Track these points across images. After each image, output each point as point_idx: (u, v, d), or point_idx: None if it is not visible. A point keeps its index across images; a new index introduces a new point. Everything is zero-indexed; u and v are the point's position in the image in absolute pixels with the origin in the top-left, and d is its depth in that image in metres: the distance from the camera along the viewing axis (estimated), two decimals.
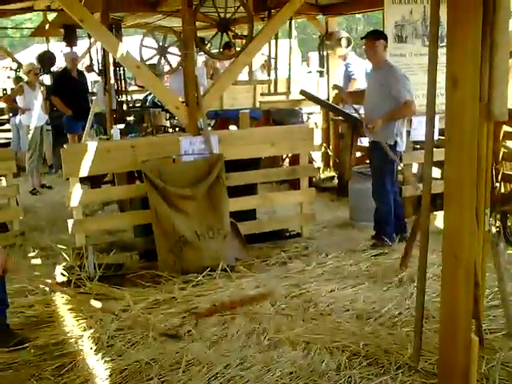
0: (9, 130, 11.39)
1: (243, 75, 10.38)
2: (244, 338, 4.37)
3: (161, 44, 6.73)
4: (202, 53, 7.75)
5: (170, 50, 6.77)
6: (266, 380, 3.80)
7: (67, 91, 10.18)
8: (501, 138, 7.15)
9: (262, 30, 6.71)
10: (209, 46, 7.54)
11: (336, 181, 9.24)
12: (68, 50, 11.58)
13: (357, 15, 24.07)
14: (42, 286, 5.28)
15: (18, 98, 9.94)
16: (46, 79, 13.06)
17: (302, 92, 9.37)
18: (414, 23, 7.41)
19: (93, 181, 7.55)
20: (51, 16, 12.44)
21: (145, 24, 12.49)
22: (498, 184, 7.16)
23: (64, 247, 6.08)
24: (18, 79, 11.57)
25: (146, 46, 6.71)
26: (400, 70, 6.41)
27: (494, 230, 6.73)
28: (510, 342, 4.21)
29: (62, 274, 5.69)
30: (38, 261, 6.48)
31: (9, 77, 12.05)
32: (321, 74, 10.44)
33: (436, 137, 6.30)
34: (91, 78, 11.42)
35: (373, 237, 6.50)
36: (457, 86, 3.13)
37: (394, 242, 6.32)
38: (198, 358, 4.06)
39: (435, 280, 4.98)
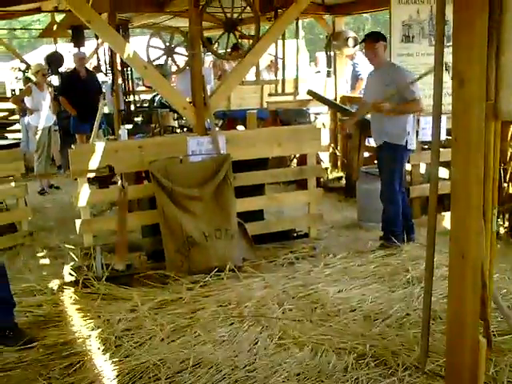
0: (19, 131, 11.45)
1: (250, 75, 10.39)
2: (251, 339, 4.37)
3: (168, 44, 6.75)
4: (210, 53, 7.75)
5: (176, 50, 6.79)
6: (273, 381, 3.80)
7: (74, 92, 10.22)
8: (509, 137, 7.15)
9: (268, 30, 6.71)
10: (216, 46, 7.54)
11: (344, 181, 9.23)
12: (76, 50, 11.62)
13: (364, 15, 23.98)
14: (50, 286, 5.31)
15: (26, 99, 9.98)
16: (54, 80, 13.11)
17: (310, 92, 9.38)
18: (421, 23, 7.39)
19: (101, 181, 7.57)
20: (59, 17, 12.48)
21: (152, 24, 12.53)
22: (506, 184, 7.15)
23: (72, 247, 6.10)
24: (26, 80, 11.61)
25: (153, 47, 6.73)
26: (404, 68, 6.40)
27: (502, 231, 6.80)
28: None
29: (70, 273, 5.70)
30: (46, 261, 6.52)
31: (17, 77, 12.08)
32: (328, 74, 10.43)
33: (443, 137, 6.36)
34: (99, 78, 11.41)
35: (380, 237, 6.48)
36: (463, 86, 3.12)
37: (402, 243, 6.30)
38: (205, 359, 4.06)
39: (442, 281, 4.96)
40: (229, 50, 8.20)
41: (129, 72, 9.47)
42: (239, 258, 5.90)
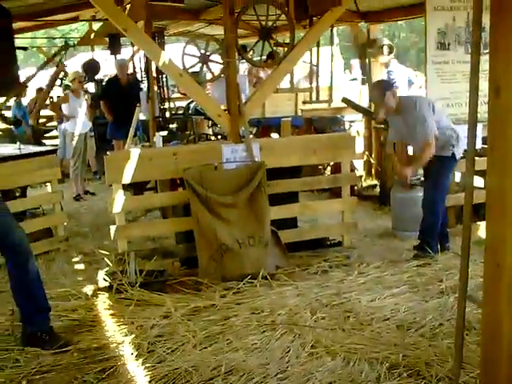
0: (57, 137, 11.62)
1: (285, 83, 10.40)
2: (283, 347, 4.36)
3: (203, 52, 6.79)
4: (244, 60, 7.78)
5: (212, 57, 6.82)
6: None
7: (113, 98, 10.41)
8: None
9: (303, 37, 6.70)
10: (251, 53, 7.57)
11: (378, 189, 9.18)
12: (114, 57, 11.77)
13: (399, 22, 23.85)
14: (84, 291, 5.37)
15: (64, 106, 10.14)
16: (91, 87, 13.28)
17: (344, 100, 9.36)
18: (456, 30, 7.33)
19: (135, 187, 7.64)
20: (96, 26, 12.67)
21: (187, 32, 12.64)
22: None
23: (106, 253, 6.15)
24: (65, 87, 11.79)
25: (189, 54, 6.77)
26: (420, 102, 6.17)
27: None
28: None
29: (104, 279, 5.76)
30: (81, 266, 6.60)
31: (55, 85, 12.27)
32: (363, 81, 10.40)
33: (479, 145, 6.29)
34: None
35: (415, 247, 6.41)
36: (499, 95, 3.08)
37: (437, 253, 6.24)
38: (237, 367, 4.06)
39: (477, 291, 4.90)
40: (264, 58, 8.25)
41: (164, 79, 9.54)
42: (272, 265, 5.90)
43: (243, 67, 13.27)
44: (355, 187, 8.73)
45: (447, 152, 6.20)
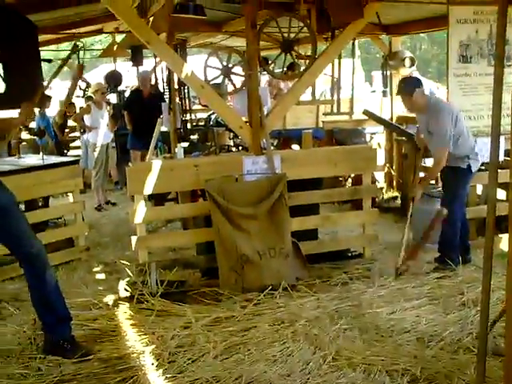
0: (79, 148, 11.72)
1: (306, 95, 10.41)
2: (304, 358, 4.35)
3: (225, 64, 6.83)
4: (266, 72, 7.81)
5: (234, 70, 6.86)
6: None
7: (133, 109, 10.51)
8: None
9: (325, 50, 6.73)
10: (272, 65, 7.59)
11: (399, 201, 9.15)
12: (142, 69, 11.89)
13: (421, 34, 23.81)
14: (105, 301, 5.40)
15: (86, 117, 10.23)
16: (113, 98, 13.39)
17: (365, 112, 9.34)
18: (479, 42, 7.31)
19: (156, 198, 7.68)
20: (119, 37, 12.78)
21: (209, 44, 12.72)
22: None
23: (127, 263, 6.18)
24: (88, 99, 11.92)
25: (211, 67, 6.81)
26: (443, 110, 6.18)
27: None
28: None
29: (125, 289, 5.79)
30: (102, 276, 6.64)
31: (78, 96, 12.39)
32: (384, 93, 10.39)
33: (501, 158, 6.26)
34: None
35: (436, 259, 6.40)
36: None
37: (458, 265, 6.21)
38: (258, 378, 4.07)
39: (498, 304, 4.87)
40: (284, 70, 8.26)
41: (185, 90, 9.59)
42: (293, 277, 5.89)
43: (264, 79, 13.30)
44: (376, 199, 8.71)
45: (463, 164, 6.20)
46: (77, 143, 12.53)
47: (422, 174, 8.27)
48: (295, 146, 9.81)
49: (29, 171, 6.86)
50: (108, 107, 10.78)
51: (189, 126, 9.77)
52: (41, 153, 7.84)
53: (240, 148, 8.73)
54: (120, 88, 13.35)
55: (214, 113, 10.39)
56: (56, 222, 7.95)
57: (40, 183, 6.82)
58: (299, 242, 6.13)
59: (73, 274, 6.65)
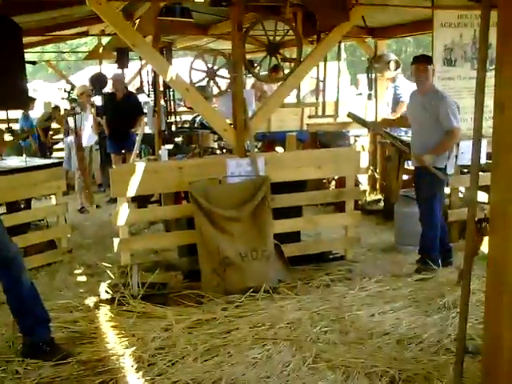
0: (62, 150, 11.66)
1: (291, 98, 10.42)
2: (284, 361, 4.35)
3: (210, 67, 6.82)
4: (251, 75, 7.81)
5: (219, 72, 6.86)
6: None
7: (109, 112, 10.49)
8: None
9: (310, 53, 6.76)
10: (258, 68, 7.60)
11: (382, 204, 9.17)
12: (117, 71, 11.84)
13: (406, 38, 23.89)
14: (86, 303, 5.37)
15: (70, 119, 10.17)
16: (98, 100, 13.36)
17: (350, 115, 9.36)
18: (463, 46, 7.36)
19: (140, 200, 7.65)
20: (105, 40, 12.75)
21: (195, 46, 12.71)
22: None
23: (109, 265, 6.15)
24: (72, 101, 11.86)
25: (196, 69, 6.81)
26: (448, 95, 6.35)
27: None
28: None
29: (107, 291, 5.77)
30: (83, 278, 6.60)
31: (63, 98, 12.35)
32: (369, 96, 10.42)
33: (483, 161, 6.29)
34: (141, 99, 11.58)
35: (417, 261, 6.42)
36: (504, 111, 3.09)
37: (439, 267, 6.23)
38: (237, 381, 4.07)
39: (478, 306, 4.89)
40: (269, 72, 8.28)
41: (171, 93, 9.58)
42: (275, 279, 5.89)
43: (250, 82, 13.30)
44: (359, 202, 8.73)
45: (442, 164, 6.24)
46: (60, 145, 12.46)
47: (405, 177, 8.35)
48: (279, 149, 9.80)
49: (11, 173, 6.82)
50: (92, 109, 10.74)
51: (173, 128, 9.76)
52: (24, 154, 7.80)
53: (224, 150, 8.72)
54: (105, 90, 13.30)
55: (198, 115, 10.38)
56: (38, 224, 7.90)
57: (23, 185, 6.77)
58: (282, 244, 6.13)
59: (54, 276, 6.60)
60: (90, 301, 5.67)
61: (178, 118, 10.58)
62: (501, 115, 3.11)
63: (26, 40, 8.41)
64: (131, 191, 5.82)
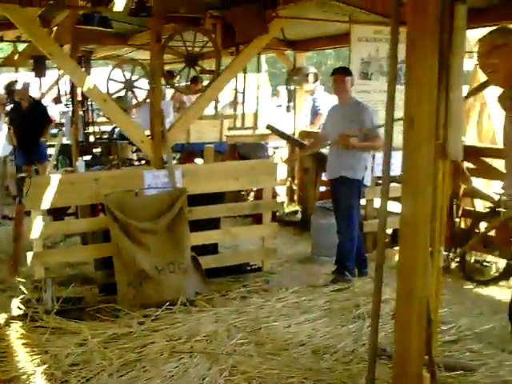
0: None
1: (210, 109, 10.43)
2: (200, 374, 4.34)
3: (128, 78, 6.77)
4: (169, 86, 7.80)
5: (137, 83, 6.81)
6: None
7: (14, 123, 10.19)
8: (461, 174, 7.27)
9: (229, 65, 6.78)
10: (178, 78, 7.58)
11: (300, 215, 9.27)
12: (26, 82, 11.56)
13: (327, 50, 24.30)
14: None
15: None
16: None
17: (269, 127, 9.47)
18: (379, 60, 7.51)
19: (55, 213, 7.48)
20: (21, 46, 12.45)
21: (115, 56, 12.57)
22: (458, 219, 7.27)
23: (23, 280, 5.98)
24: None
25: (113, 80, 6.75)
26: (369, 107, 6.52)
27: (453, 265, 6.90)
28: (466, 378, 4.26)
29: (19, 307, 5.58)
30: None
31: None
32: (288, 108, 10.55)
33: (398, 172, 6.43)
34: (60, 108, 11.37)
35: (333, 272, 6.52)
36: (413, 126, 3.19)
37: (354, 278, 6.34)
38: None
39: (391, 315, 4.99)
40: (188, 83, 8.27)
41: (89, 103, 9.46)
42: (192, 291, 5.86)
43: (170, 93, 13.25)
44: (277, 213, 8.79)
45: (357, 175, 6.36)
46: None
47: (322, 188, 8.47)
48: (198, 160, 9.80)
49: None
50: (6, 119, 10.45)
51: (92, 138, 9.63)
52: None
53: (143, 161, 8.66)
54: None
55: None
56: None
57: None
58: (199, 257, 6.11)
59: None
60: (1, 318, 5.46)
61: (96, 129, 10.46)
62: (410, 129, 3.21)
63: None
64: (46, 203, 5.69)
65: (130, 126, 6.40)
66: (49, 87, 14.06)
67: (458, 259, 6.89)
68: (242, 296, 5.94)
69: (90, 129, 9.68)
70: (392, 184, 6.16)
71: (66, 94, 10.47)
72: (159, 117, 6.20)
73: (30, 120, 9.94)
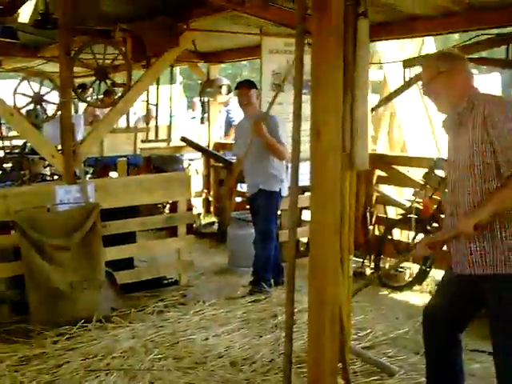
0: None
1: (123, 122, 10.33)
2: None
3: (37, 91, 6.64)
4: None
5: (47, 97, 6.68)
6: None
7: None
8: (374, 182, 7.46)
9: (140, 78, 6.74)
10: (91, 91, 7.48)
11: (216, 226, 9.29)
12: None
13: (242, 62, 24.43)
14: None
15: None
16: None
17: (183, 139, 9.46)
18: (290, 72, 7.60)
19: None
20: None
21: (26, 68, 12.26)
22: (371, 226, 7.45)
23: None
24: None
25: (20, 93, 6.61)
26: (276, 117, 6.57)
27: (368, 271, 7.06)
28: (382, 383, 4.36)
29: None
30: None
31: None
32: (202, 120, 10.57)
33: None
34: None
35: (250, 282, 6.54)
36: (319, 137, 3.24)
37: (271, 288, 6.38)
38: None
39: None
40: (101, 97, 8.17)
41: None
42: (107, 307, 5.77)
43: (83, 106, 13.04)
44: (194, 225, 8.77)
45: (275, 187, 6.44)
46: None
47: (238, 199, 8.51)
48: (113, 174, 9.69)
49: None
50: None
51: (1, 153, 9.39)
52: None
53: (55, 177, 8.50)
54: None
55: None
56: None
57: None
58: (115, 272, 6.04)
59: None
60: None
61: (7, 143, 10.19)
62: (317, 141, 3.26)
63: None
64: None
65: (39, 140, 6.26)
66: None
67: (372, 265, 7.06)
68: (159, 310, 5.89)
69: (0, 143, 9.40)
70: (306, 193, 6.31)
71: None
72: (70, 131, 6.08)
73: None
